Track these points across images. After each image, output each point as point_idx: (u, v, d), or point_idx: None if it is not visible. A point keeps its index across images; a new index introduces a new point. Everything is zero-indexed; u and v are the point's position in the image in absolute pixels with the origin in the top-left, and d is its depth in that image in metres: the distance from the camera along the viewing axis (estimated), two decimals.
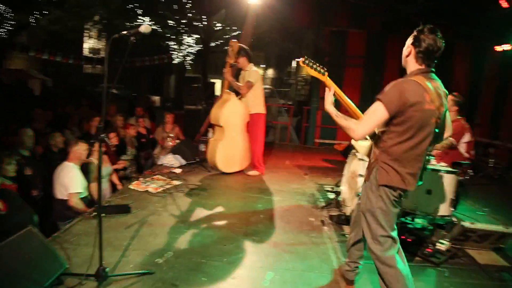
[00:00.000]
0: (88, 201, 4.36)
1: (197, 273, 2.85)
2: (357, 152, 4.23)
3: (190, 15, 16.45)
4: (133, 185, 4.83)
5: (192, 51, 22.12)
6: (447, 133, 2.63)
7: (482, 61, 8.97)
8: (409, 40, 2.35)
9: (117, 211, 3.89)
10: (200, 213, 4.16)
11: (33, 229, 2.59)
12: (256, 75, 5.65)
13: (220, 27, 17.19)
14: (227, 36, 17.45)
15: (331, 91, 2.62)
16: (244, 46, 5.74)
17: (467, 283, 3.09)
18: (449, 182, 3.65)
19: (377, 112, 2.23)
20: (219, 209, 4.32)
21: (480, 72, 9.04)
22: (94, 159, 4.68)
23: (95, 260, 2.67)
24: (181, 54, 22.14)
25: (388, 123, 2.27)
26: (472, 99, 8.65)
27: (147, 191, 4.66)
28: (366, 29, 8.85)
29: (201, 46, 20.89)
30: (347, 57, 9.03)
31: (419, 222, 4.07)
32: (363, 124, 2.28)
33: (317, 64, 2.67)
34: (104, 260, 2.83)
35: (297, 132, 9.25)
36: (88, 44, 26.68)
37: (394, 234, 2.38)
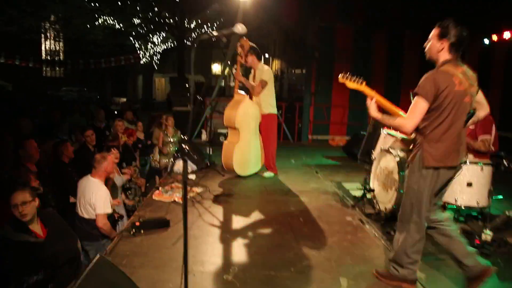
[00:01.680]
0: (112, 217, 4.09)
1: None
2: (390, 148, 4.26)
3: (165, 13, 15.84)
4: (156, 196, 4.59)
5: (160, 50, 21.44)
6: (484, 111, 2.87)
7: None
8: (437, 35, 2.59)
9: (155, 225, 3.67)
10: (239, 220, 4.03)
11: (105, 257, 2.37)
12: (270, 74, 5.55)
13: (194, 25, 16.73)
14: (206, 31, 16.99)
15: (373, 100, 2.81)
16: (253, 44, 5.59)
17: None
18: (487, 174, 3.77)
19: (419, 105, 2.52)
20: (256, 215, 4.21)
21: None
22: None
23: (160, 284, 2.49)
24: (148, 53, 21.41)
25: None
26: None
27: (174, 201, 4.45)
28: (352, 24, 8.97)
29: (171, 45, 20.36)
30: (336, 52, 9.12)
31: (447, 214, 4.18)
32: (411, 118, 2.54)
33: (355, 77, 2.90)
34: (170, 283, 2.67)
35: (289, 129, 9.21)
36: (46, 45, 25.17)
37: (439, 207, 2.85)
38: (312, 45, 8.41)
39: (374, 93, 2.85)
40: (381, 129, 5.98)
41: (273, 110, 5.69)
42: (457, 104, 2.51)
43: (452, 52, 2.57)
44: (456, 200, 3.80)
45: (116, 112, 11.16)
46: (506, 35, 7.88)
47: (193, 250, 3.23)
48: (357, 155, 7.14)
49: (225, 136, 8.21)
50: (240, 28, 2.22)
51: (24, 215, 2.89)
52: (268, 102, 5.61)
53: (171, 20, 16.35)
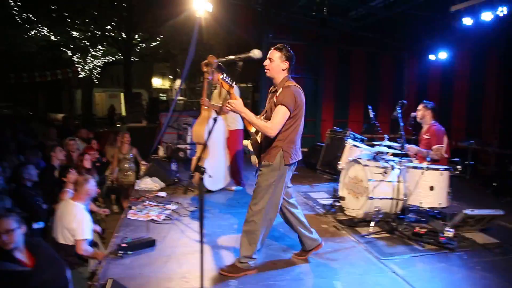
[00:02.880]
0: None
1: None
2: (358, 159, 4.59)
3: (109, 27, 15.28)
4: (131, 215, 4.47)
5: (100, 63, 20.55)
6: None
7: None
8: (280, 57, 3.08)
9: (142, 246, 3.60)
10: (222, 235, 4.07)
11: (117, 280, 2.32)
12: (237, 91, 5.67)
13: (140, 40, 16.35)
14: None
15: (239, 100, 3.03)
16: (219, 62, 5.70)
17: (484, 261, 3.63)
18: (446, 178, 4.23)
19: (284, 114, 2.99)
20: (237, 228, 4.27)
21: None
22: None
23: None
24: (87, 67, 20.42)
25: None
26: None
27: (152, 219, 4.37)
28: (304, 41, 9.46)
29: (112, 58, 19.64)
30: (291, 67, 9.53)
31: (411, 216, 4.60)
32: (277, 123, 3.00)
33: (229, 79, 2.98)
34: None
35: None
36: None
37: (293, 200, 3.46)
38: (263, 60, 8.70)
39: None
40: (343, 140, 6.39)
41: (240, 125, 5.81)
42: (303, 112, 3.14)
43: (290, 72, 3.17)
44: (421, 203, 4.20)
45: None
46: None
47: (189, 269, 3.23)
48: (315, 165, 7.54)
49: (184, 151, 8.21)
50: (256, 53, 2.34)
51: (8, 243, 2.72)
52: (235, 118, 5.73)
53: (115, 33, 15.84)
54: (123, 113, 24.68)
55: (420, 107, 4.86)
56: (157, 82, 35.87)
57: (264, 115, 3.25)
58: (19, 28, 16.56)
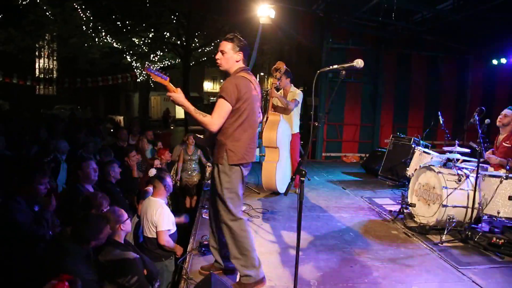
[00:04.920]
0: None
1: None
2: (431, 166, 4.55)
3: (168, 34, 16.06)
4: (206, 215, 4.73)
5: (157, 67, 21.54)
6: None
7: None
8: (233, 48, 2.86)
9: None
10: (295, 237, 4.20)
11: (215, 274, 2.54)
12: (301, 96, 5.83)
13: (198, 45, 17.01)
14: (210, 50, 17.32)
15: (179, 90, 2.76)
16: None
17: None
18: None
19: (223, 106, 2.74)
20: (308, 231, 4.38)
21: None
22: None
23: None
24: (145, 72, 21.50)
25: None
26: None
27: None
28: (363, 46, 9.41)
29: (168, 63, 20.55)
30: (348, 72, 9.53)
31: (485, 226, 4.47)
32: (217, 118, 2.75)
33: (161, 71, 2.75)
34: None
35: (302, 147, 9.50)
36: (39, 63, 25.05)
37: None
38: (326, 65, 8.78)
39: (178, 89, 2.78)
40: (408, 146, 6.33)
41: (298, 129, 5.99)
42: (253, 107, 2.89)
43: (245, 62, 2.94)
44: (498, 213, 4.09)
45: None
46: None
47: (266, 267, 3.39)
48: (376, 171, 7.48)
49: None
50: (360, 62, 2.41)
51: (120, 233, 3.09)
52: (296, 122, 5.91)
53: (174, 39, 16.59)
54: (179, 116, 25.72)
55: (509, 112, 4.64)
56: (208, 86, 36.94)
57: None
58: (87, 37, 17.88)
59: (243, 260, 2.86)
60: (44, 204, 3.42)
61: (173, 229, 4.12)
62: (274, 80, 5.74)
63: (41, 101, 25.11)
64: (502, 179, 4.08)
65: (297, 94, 5.80)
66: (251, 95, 2.85)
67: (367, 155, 8.63)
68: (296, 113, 5.89)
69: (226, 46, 2.86)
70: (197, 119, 2.75)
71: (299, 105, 5.92)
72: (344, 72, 2.46)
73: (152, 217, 3.98)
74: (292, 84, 5.96)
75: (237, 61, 2.90)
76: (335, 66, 2.50)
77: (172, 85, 2.75)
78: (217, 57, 2.92)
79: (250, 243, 2.88)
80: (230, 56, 2.87)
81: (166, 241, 3.96)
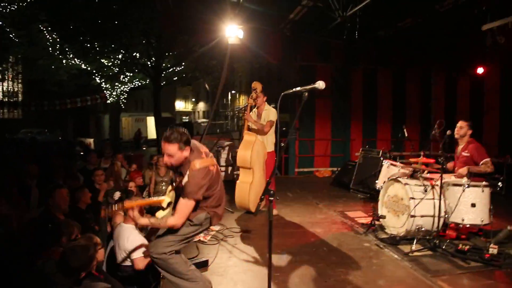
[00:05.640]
0: None
1: None
2: (398, 178, 4.70)
3: (137, 54, 15.98)
4: None
5: (127, 89, 21.33)
6: None
7: None
8: (180, 147, 2.82)
9: (197, 266, 3.75)
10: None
11: None
12: (276, 114, 5.85)
13: (169, 65, 16.99)
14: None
15: (135, 210, 2.92)
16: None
17: None
18: (487, 194, 4.28)
19: (189, 206, 2.88)
20: (283, 248, 4.39)
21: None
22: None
23: None
24: (114, 93, 21.22)
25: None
26: None
27: (199, 240, 4.56)
28: (331, 63, 9.70)
29: (138, 83, 20.39)
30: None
31: (452, 233, 4.64)
32: (181, 217, 2.89)
33: (116, 205, 2.96)
34: None
35: None
36: (3, 86, 24.24)
37: None
38: (295, 83, 8.98)
39: (134, 202, 2.97)
40: (377, 159, 6.51)
41: (273, 147, 6.01)
42: (218, 179, 3.08)
43: (191, 149, 2.90)
44: (463, 220, 4.26)
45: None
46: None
47: (241, 285, 3.38)
48: (348, 184, 7.63)
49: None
50: (321, 84, 2.49)
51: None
52: (271, 140, 5.92)
53: (144, 59, 16.52)
54: (151, 136, 25.36)
55: (463, 124, 4.87)
56: (180, 105, 36.78)
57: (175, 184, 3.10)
58: (54, 58, 17.55)
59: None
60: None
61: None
62: (250, 100, 5.77)
63: (5, 125, 24.20)
64: (464, 187, 4.27)
65: (271, 113, 5.81)
66: (213, 176, 2.95)
67: (339, 169, 8.80)
68: (271, 132, 5.92)
69: (171, 149, 2.81)
70: (161, 227, 2.96)
71: (275, 124, 5.97)
72: (306, 94, 2.52)
73: (124, 245, 3.88)
74: (266, 102, 6.01)
75: (185, 157, 2.88)
76: (298, 89, 2.57)
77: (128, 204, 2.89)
78: (165, 160, 2.89)
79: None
80: (178, 156, 2.85)
81: (144, 265, 3.87)
